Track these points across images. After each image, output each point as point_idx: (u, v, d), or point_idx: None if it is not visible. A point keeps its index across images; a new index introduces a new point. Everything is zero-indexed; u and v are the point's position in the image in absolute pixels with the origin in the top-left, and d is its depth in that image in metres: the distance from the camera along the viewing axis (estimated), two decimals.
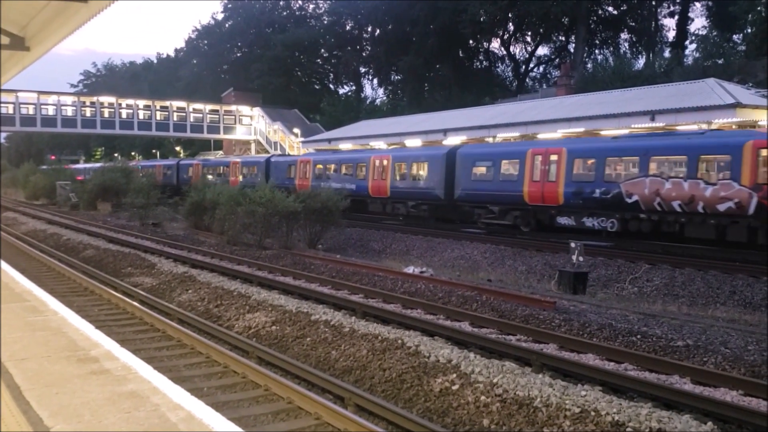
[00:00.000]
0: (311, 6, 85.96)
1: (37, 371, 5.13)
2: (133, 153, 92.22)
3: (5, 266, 11.48)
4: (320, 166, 38.21)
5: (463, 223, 28.94)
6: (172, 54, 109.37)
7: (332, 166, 36.98)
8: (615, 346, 10.49)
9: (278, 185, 37.47)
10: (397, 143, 42.22)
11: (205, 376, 9.54)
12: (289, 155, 50.14)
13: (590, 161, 23.13)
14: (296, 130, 58.86)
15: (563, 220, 23.73)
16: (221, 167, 51.60)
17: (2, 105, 55.75)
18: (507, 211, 25.85)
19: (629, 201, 21.09)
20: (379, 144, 44.42)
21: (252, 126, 65.80)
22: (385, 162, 32.38)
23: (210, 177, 48.50)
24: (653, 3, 58.39)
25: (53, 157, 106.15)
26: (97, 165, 64.12)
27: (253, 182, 41.04)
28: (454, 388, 8.68)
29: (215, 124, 64.72)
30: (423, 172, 30.45)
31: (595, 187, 22.29)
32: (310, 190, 32.04)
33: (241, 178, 46.06)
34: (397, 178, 31.51)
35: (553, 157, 23.99)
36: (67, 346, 5.97)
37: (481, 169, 27.35)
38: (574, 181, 23.03)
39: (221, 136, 66.29)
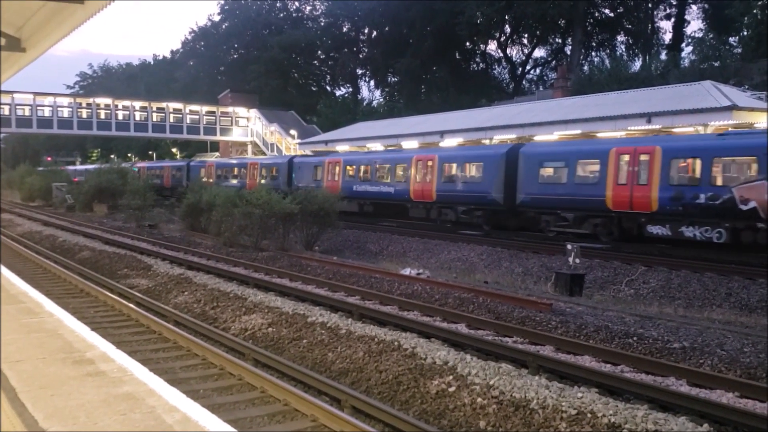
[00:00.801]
0: (308, 8, 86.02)
1: (33, 373, 5.11)
2: (129, 154, 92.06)
3: (0, 268, 11.45)
4: (352, 167, 35.29)
5: (525, 230, 26.22)
6: (168, 55, 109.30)
7: (366, 168, 34.15)
8: (611, 348, 10.51)
9: (302, 188, 35.68)
10: (395, 145, 42.18)
11: (201, 378, 9.53)
12: (314, 155, 46.35)
13: (692, 162, 20.74)
14: (293, 132, 58.82)
15: (656, 230, 20.91)
16: (237, 169, 48.68)
17: None
18: (584, 218, 23.18)
19: (744, 208, 18.84)
20: (376, 146, 44.32)
21: (249, 128, 65.73)
22: (430, 163, 29.47)
23: (224, 179, 46.47)
24: (650, 5, 58.52)
25: (49, 159, 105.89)
26: (93, 166, 63.94)
27: (274, 185, 38.35)
28: (451, 390, 8.68)
29: (212, 125, 64.62)
30: (477, 174, 27.65)
31: (699, 192, 19.72)
32: (339, 194, 31.12)
33: (260, 180, 42.97)
34: (445, 180, 28.70)
35: (644, 157, 21.47)
36: (62, 347, 5.95)
37: (550, 171, 24.81)
38: (672, 185, 20.50)
39: (218, 137, 66.21)
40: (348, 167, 35.41)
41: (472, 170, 28.13)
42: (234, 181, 45.52)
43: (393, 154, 34.03)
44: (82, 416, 4.19)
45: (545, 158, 25.08)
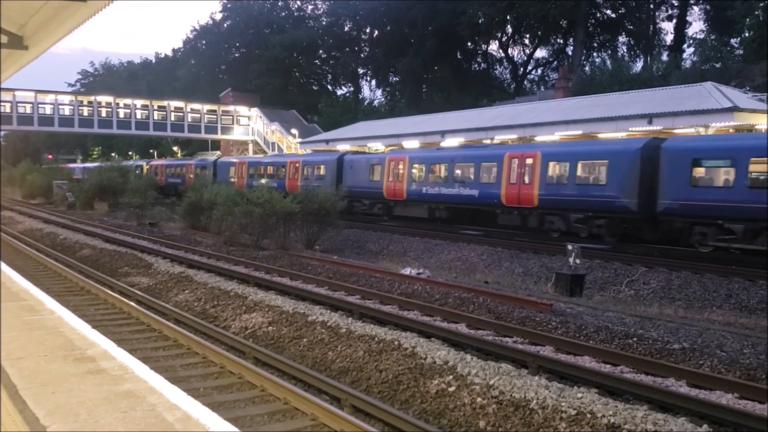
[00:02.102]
0: (310, 7, 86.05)
1: (34, 370, 5.12)
2: (130, 153, 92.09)
3: (2, 266, 11.46)
4: (420, 166, 31.02)
5: (667, 245, 21.83)
6: (170, 54, 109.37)
7: (440, 167, 30.02)
8: (611, 349, 10.52)
9: (355, 190, 33.42)
10: (395, 144, 42.17)
11: (202, 377, 9.54)
12: (371, 152, 42.05)
13: None
14: (294, 131, 58.81)
15: None
16: (274, 167, 43.59)
17: (0, 104, 55.63)
18: (761, 230, 18.67)
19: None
20: (377, 145, 44.27)
21: (250, 126, 65.71)
22: (529, 160, 24.96)
23: (258, 179, 42.22)
24: (651, 6, 58.50)
25: (50, 156, 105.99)
26: (95, 164, 63.89)
27: (318, 186, 34.48)
28: (451, 389, 8.69)
29: (213, 124, 64.57)
30: (598, 174, 23.29)
31: None
32: (405, 198, 29.78)
33: (300, 180, 38.53)
34: (551, 181, 24.33)
35: None
36: (63, 345, 5.96)
37: (707, 171, 20.72)
38: None
39: (219, 136, 66.19)
40: (415, 166, 31.15)
41: (592, 169, 23.71)
42: (269, 181, 40.65)
43: (478, 151, 29.64)
44: (83, 414, 4.20)
45: (699, 155, 20.65)
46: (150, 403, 4.40)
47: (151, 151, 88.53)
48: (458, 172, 28.89)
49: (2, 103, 55.76)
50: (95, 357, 5.56)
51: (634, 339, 11.06)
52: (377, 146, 43.92)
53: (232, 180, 45.09)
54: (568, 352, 10.52)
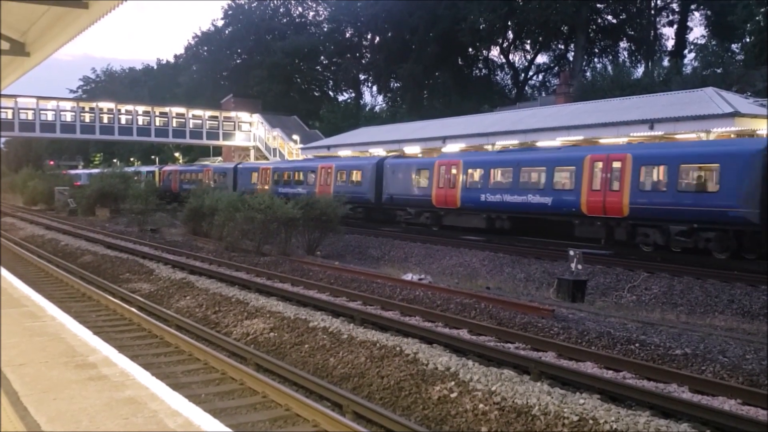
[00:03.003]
0: (311, 13, 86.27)
1: (35, 377, 5.12)
2: (132, 159, 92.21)
3: (4, 272, 11.46)
4: (477, 171, 27.77)
5: None
6: (171, 60, 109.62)
7: (503, 172, 26.80)
8: (613, 355, 10.49)
9: (397, 198, 31.15)
10: (396, 150, 42.18)
11: (203, 383, 9.53)
12: (415, 156, 38.35)
13: None
14: (295, 137, 58.92)
15: None
16: (303, 173, 40.21)
17: (1, 110, 55.74)
18: None
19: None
20: (378, 151, 44.18)
21: (251, 132, 65.82)
22: (617, 164, 22.06)
23: (284, 185, 39.88)
24: (652, 12, 58.66)
25: (52, 163, 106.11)
26: (96, 171, 63.87)
27: (353, 193, 33.32)
28: (453, 395, 8.67)
29: (214, 130, 64.69)
30: (707, 181, 20.25)
31: None
32: (459, 206, 27.24)
33: (333, 187, 35.76)
34: (643, 188, 21.33)
35: None
36: (65, 351, 5.96)
37: None
38: None
39: (220, 142, 66.30)
40: (471, 171, 27.89)
41: (699, 175, 20.58)
42: (298, 188, 38.08)
43: (552, 153, 25.88)
44: (85, 420, 4.19)
45: None
46: (151, 410, 4.39)
47: (153, 157, 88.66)
48: (526, 177, 25.63)
49: (4, 110, 55.91)
50: (97, 363, 5.56)
51: (637, 345, 11.04)
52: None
53: (256, 187, 41.67)
54: (571, 358, 10.50)
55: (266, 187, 40.89)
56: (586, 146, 28.53)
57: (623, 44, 63.44)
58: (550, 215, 24.41)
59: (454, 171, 28.45)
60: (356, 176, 34.91)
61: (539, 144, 32.87)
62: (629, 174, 21.50)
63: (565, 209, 23.51)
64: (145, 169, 64.27)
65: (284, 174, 41.50)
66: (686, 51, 56.08)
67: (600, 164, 22.62)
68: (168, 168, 61.24)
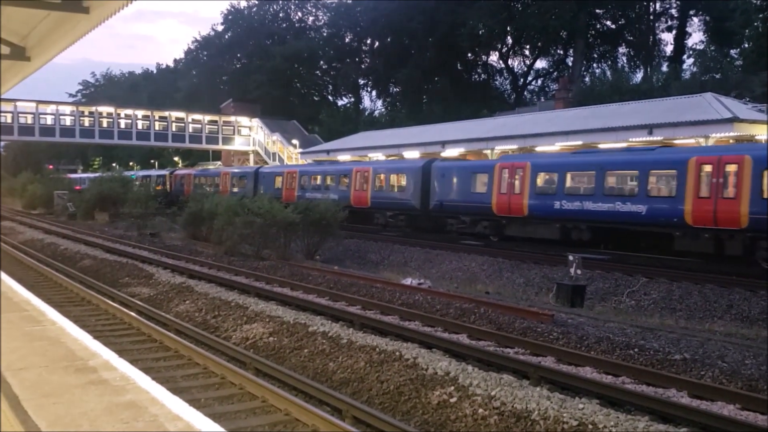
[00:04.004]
0: (311, 18, 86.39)
1: (36, 381, 5.12)
2: (131, 163, 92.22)
3: (4, 276, 11.47)
4: (549, 175, 24.82)
5: None
6: (171, 64, 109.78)
7: (584, 175, 23.88)
8: (612, 359, 10.51)
9: (448, 204, 28.47)
10: (395, 155, 42.20)
11: (203, 387, 9.53)
12: (462, 157, 36.20)
13: None
14: (295, 141, 58.95)
15: None
16: (334, 177, 36.95)
17: (1, 114, 55.78)
18: None
19: None
20: (378, 155, 44.20)
21: (251, 137, 65.86)
22: (731, 167, 19.35)
23: (314, 191, 36.74)
24: (651, 17, 58.77)
25: (51, 167, 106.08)
26: (95, 175, 63.83)
27: (394, 199, 31.09)
28: (452, 400, 8.67)
29: (214, 134, 64.73)
30: None
31: None
32: (526, 215, 24.70)
33: (371, 192, 33.11)
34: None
35: None
36: (65, 356, 5.96)
37: None
38: None
39: (220, 146, 66.34)
40: (542, 175, 25.10)
41: None
42: (328, 194, 34.85)
43: (646, 155, 22.52)
44: (85, 425, 4.20)
45: None
46: (152, 414, 4.40)
47: (152, 161, 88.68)
48: (613, 181, 23.06)
49: (4, 114, 55.93)
50: (97, 367, 5.56)
51: (636, 349, 11.05)
52: (378, 156, 43.47)
53: (279, 192, 38.79)
54: (570, 363, 10.51)
55: (293, 192, 38.45)
56: (687, 147, 25.72)
57: (622, 49, 63.67)
58: (643, 226, 21.61)
59: (520, 175, 25.43)
60: (398, 180, 31.99)
61: (537, 149, 32.89)
62: (749, 178, 18.73)
63: (663, 219, 20.71)
64: (155, 173, 63.79)
65: (313, 178, 38.55)
66: (685, 56, 56.29)
67: (709, 167, 19.87)
68: (181, 172, 58.66)
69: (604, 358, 10.59)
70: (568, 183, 24.04)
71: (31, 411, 4.43)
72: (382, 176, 32.92)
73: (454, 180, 28.39)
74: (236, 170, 50.66)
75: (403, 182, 31.38)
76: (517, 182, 25.45)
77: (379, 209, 32.61)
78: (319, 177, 38.15)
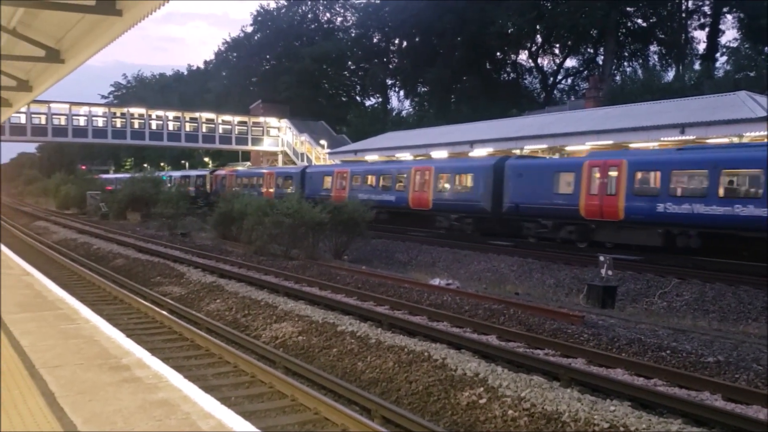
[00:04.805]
0: (339, 19, 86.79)
1: (71, 379, 5.21)
2: (162, 164, 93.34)
3: (39, 275, 11.70)
4: (651, 174, 22.37)
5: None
6: (202, 66, 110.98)
7: (693, 175, 21.50)
8: (644, 361, 10.38)
9: (525, 207, 25.69)
10: (422, 155, 42.12)
11: (233, 386, 9.61)
12: (540, 155, 33.15)
13: None
14: (323, 142, 59.18)
15: None
16: (390, 177, 34.02)
17: (35, 116, 56.86)
18: None
19: None
20: (405, 155, 44.12)
21: (279, 137, 66.30)
22: None
23: (366, 192, 33.82)
24: (683, 15, 57.97)
25: (84, 167, 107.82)
26: (127, 175, 64.69)
27: (461, 201, 28.65)
28: (482, 401, 8.63)
29: (244, 135, 65.31)
30: None
31: None
32: (622, 218, 22.30)
33: (433, 194, 30.33)
34: None
35: None
36: (99, 354, 6.06)
37: None
38: None
39: (249, 147, 66.89)
40: (642, 174, 22.50)
41: None
42: (383, 195, 32.99)
43: None
44: (120, 421, 4.26)
45: None
46: (184, 412, 4.45)
47: (182, 162, 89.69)
48: (731, 182, 20.49)
49: (38, 115, 57.01)
50: (130, 365, 5.65)
51: (668, 351, 10.90)
52: (406, 156, 43.23)
53: (328, 193, 36.71)
54: (601, 365, 10.40)
55: (343, 193, 36.00)
56: None
57: (653, 48, 62.92)
58: None
59: (614, 174, 22.97)
60: (465, 181, 29.62)
61: (568, 149, 32.62)
62: None
63: None
64: (194, 173, 64.26)
65: (367, 178, 35.91)
66: (718, 54, 55.48)
67: None
68: (221, 172, 57.45)
69: (635, 359, 10.46)
70: (674, 183, 21.49)
71: (67, 408, 4.52)
72: (446, 176, 30.53)
73: (534, 180, 25.65)
74: (281, 170, 49.21)
75: (471, 182, 29.02)
76: (610, 182, 22.99)
77: (443, 212, 30.11)
78: (373, 177, 35.50)
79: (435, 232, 30.68)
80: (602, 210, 23.06)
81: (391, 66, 78.26)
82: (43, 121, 57.70)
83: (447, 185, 30.28)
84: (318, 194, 35.42)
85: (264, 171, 49.71)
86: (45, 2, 9.38)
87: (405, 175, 32.57)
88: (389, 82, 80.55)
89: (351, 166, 39.93)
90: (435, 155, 40.58)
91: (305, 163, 54.62)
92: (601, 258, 17.39)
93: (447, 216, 29.87)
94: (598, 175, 23.46)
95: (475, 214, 28.54)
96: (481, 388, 8.92)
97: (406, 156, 43.87)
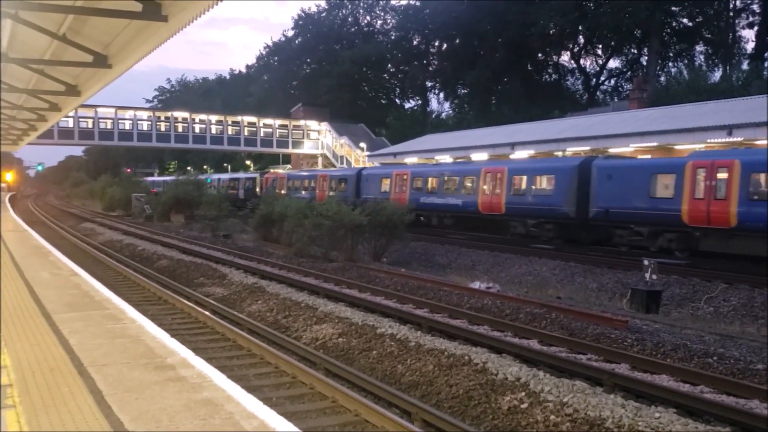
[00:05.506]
0: (379, 22, 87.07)
1: (118, 377, 5.32)
2: (205, 166, 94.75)
3: (86, 276, 11.96)
4: None
5: None
6: (244, 70, 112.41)
7: None
8: (690, 368, 10.16)
9: (616, 212, 23.71)
10: (462, 157, 41.90)
11: (274, 386, 9.69)
12: (631, 155, 30.06)
13: None
14: (362, 145, 59.39)
15: None
16: (456, 178, 32.00)
17: (83, 120, 58.30)
18: None
19: None
20: (445, 158, 43.87)
21: (319, 140, 66.77)
22: None
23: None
24: (731, 14, 56.66)
25: (129, 170, 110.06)
26: (171, 178, 65.79)
27: (539, 205, 26.64)
28: (523, 406, 8.55)
29: (284, 138, 65.95)
30: None
31: None
32: (734, 225, 20.02)
33: (506, 197, 28.43)
34: None
35: None
36: (144, 353, 6.17)
37: None
38: None
39: (290, 150, 67.50)
40: (760, 176, 20.21)
41: None
42: (448, 199, 31.32)
43: None
44: (165, 420, 4.33)
45: None
46: (228, 411, 4.51)
47: (225, 165, 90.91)
48: None
49: (85, 119, 58.45)
50: (175, 365, 5.73)
51: (715, 358, 10.65)
52: (445, 159, 43.01)
53: (386, 196, 34.29)
54: (645, 371, 10.21)
55: (403, 196, 34.14)
56: None
57: (699, 47, 61.62)
58: None
59: (723, 175, 20.63)
60: (544, 183, 27.48)
61: (611, 151, 32.06)
62: None
63: None
64: (243, 175, 64.98)
65: (430, 180, 33.80)
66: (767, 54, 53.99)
67: None
68: (270, 175, 56.95)
69: (681, 366, 10.24)
70: None
71: (114, 406, 4.61)
72: (522, 178, 28.25)
73: (626, 182, 23.65)
74: (335, 172, 47.31)
75: (552, 184, 26.82)
76: (720, 184, 20.77)
77: (518, 217, 28.14)
78: (436, 179, 33.32)
79: (507, 238, 28.93)
80: (710, 216, 20.87)
81: (430, 68, 78.20)
82: (90, 125, 59.12)
83: (523, 188, 28.14)
84: (375, 198, 33.28)
85: (318, 173, 48.06)
86: (93, 8, 9.60)
87: (474, 177, 30.53)
88: (429, 84, 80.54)
89: (412, 168, 37.82)
90: (475, 157, 40.27)
91: (360, 165, 53.64)
92: (645, 262, 17.08)
93: (523, 221, 28.02)
94: (703, 177, 21.27)
95: (557, 219, 26.60)
96: (523, 393, 8.84)
97: (445, 158, 43.63)
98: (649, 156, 29.50)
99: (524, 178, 28.19)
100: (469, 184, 30.86)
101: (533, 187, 27.67)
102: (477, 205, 29.90)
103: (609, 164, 25.26)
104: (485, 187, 29.62)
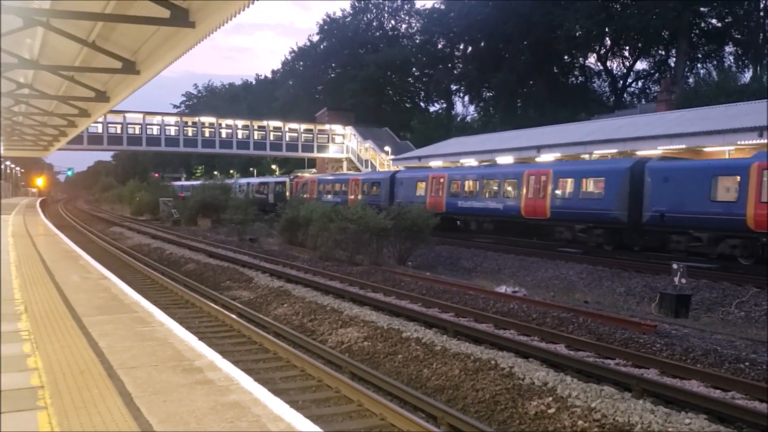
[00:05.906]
0: (403, 26, 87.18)
1: (146, 380, 5.37)
2: (231, 171, 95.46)
3: (115, 279, 12.10)
4: None
5: None
6: (269, 75, 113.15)
7: None
8: (721, 373, 10.00)
9: (672, 217, 22.55)
10: (488, 160, 41.71)
11: (301, 389, 9.71)
12: (692, 159, 27.14)
13: None
14: (387, 148, 59.44)
15: None
16: (497, 182, 30.90)
17: (111, 125, 59.13)
18: None
19: None
20: (470, 161, 43.69)
21: (344, 144, 66.97)
22: None
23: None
24: (761, 14, 55.78)
25: (156, 175, 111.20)
26: (198, 182, 66.39)
27: (587, 209, 25.67)
28: (550, 411, 8.48)
29: (309, 142, 66.26)
30: None
31: None
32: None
33: (550, 200, 27.42)
34: None
35: None
36: (172, 356, 6.22)
37: None
38: None
39: (315, 154, 67.80)
40: None
41: None
42: (488, 203, 30.43)
43: None
44: (193, 422, 4.37)
45: None
46: (255, 414, 4.53)
47: (251, 169, 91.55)
48: None
49: (113, 125, 59.28)
50: (202, 368, 5.78)
51: (746, 363, 10.48)
52: (471, 162, 42.76)
53: (422, 200, 33.59)
54: (675, 376, 10.08)
55: (440, 200, 33.39)
56: None
57: (729, 48, 60.70)
58: None
59: None
60: (592, 186, 26.34)
61: (638, 153, 31.71)
62: None
63: None
64: (272, 179, 65.21)
65: (467, 183, 32.74)
66: None
67: None
68: (302, 178, 55.89)
69: (711, 371, 10.09)
70: None
71: (143, 408, 4.65)
72: (568, 180, 27.14)
73: (684, 184, 22.37)
74: (368, 176, 46.07)
75: (602, 187, 25.60)
76: None
77: (564, 221, 27.11)
78: (475, 182, 32.14)
79: (552, 244, 27.72)
80: None
81: (455, 71, 78.04)
82: (119, 131, 59.90)
83: (570, 191, 27.01)
84: (410, 202, 31.64)
85: (350, 176, 47.06)
86: (122, 15, 9.74)
87: (516, 180, 29.47)
88: (454, 87, 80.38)
89: (449, 171, 36.54)
90: (500, 161, 40.10)
91: (394, 168, 51.37)
92: (675, 266, 16.87)
93: (570, 226, 26.95)
94: None
95: (607, 224, 25.45)
96: (550, 398, 8.76)
97: (470, 161, 43.50)
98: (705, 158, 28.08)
99: (571, 180, 27.08)
100: (510, 188, 29.99)
101: (581, 190, 26.63)
102: (520, 209, 28.95)
103: (665, 166, 24.00)
104: (528, 190, 28.66)
